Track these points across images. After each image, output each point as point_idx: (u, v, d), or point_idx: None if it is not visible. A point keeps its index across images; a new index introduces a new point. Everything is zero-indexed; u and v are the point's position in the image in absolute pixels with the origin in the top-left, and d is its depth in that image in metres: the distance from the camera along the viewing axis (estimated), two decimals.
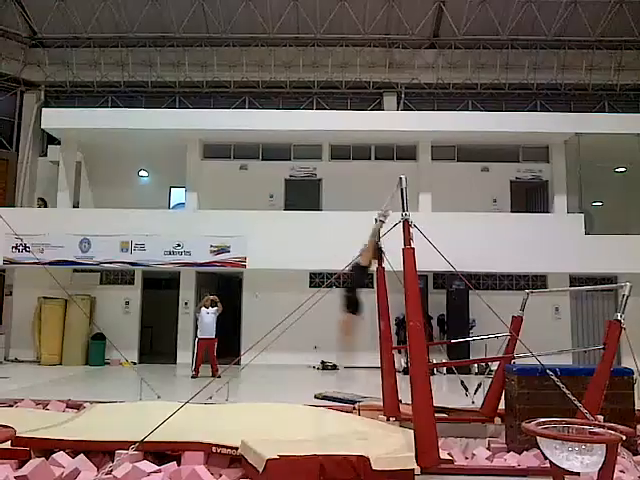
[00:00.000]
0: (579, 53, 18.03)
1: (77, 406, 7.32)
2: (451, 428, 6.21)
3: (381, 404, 6.74)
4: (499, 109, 17.47)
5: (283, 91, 18.49)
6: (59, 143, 16.66)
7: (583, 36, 17.74)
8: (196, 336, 13.15)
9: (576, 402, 4.76)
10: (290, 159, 16.99)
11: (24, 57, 18.43)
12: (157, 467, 4.73)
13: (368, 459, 4.47)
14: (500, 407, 6.39)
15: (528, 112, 17.27)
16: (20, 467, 4.70)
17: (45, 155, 18.01)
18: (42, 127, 16.21)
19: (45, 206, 16.78)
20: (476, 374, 12.52)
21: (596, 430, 3.66)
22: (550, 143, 16.38)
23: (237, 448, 4.88)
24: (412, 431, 4.68)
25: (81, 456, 4.84)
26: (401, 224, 5.15)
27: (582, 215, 15.00)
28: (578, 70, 18.01)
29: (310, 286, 15.18)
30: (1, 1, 17.24)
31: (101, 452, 5.04)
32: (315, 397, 9.57)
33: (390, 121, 16.09)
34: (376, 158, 16.80)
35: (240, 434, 5.04)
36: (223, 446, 4.96)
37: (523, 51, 18.12)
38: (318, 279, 15.38)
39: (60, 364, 14.59)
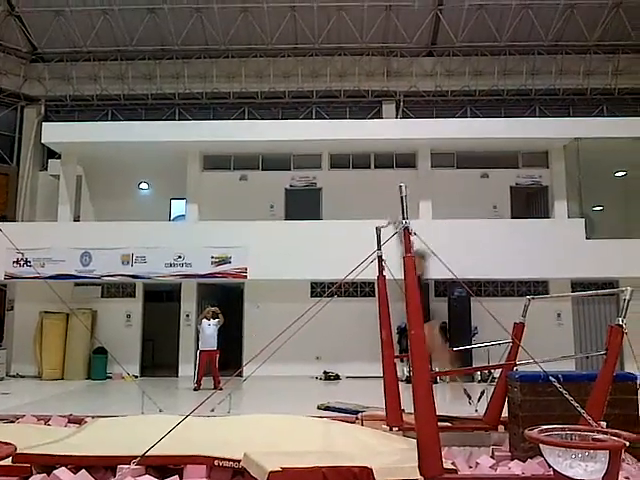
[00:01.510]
0: (577, 58, 18.09)
1: (79, 421, 7.28)
2: (454, 437, 6.17)
3: (384, 414, 6.70)
4: (498, 115, 17.50)
5: (282, 101, 18.57)
6: (59, 157, 16.71)
7: (580, 41, 17.81)
8: (198, 348, 13.12)
9: (579, 408, 4.73)
10: (290, 169, 17.03)
11: (24, 72, 18.55)
12: None
13: (371, 470, 4.44)
14: (503, 415, 6.35)
15: (527, 118, 17.31)
16: None
17: (46, 169, 18.06)
18: (42, 141, 16.29)
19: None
20: (479, 382, 12.47)
21: (599, 436, 3.63)
22: (549, 148, 16.40)
23: (239, 461, 4.84)
24: (415, 441, 4.64)
25: (83, 472, 4.81)
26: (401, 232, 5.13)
27: (583, 220, 14.98)
28: (576, 75, 18.08)
29: (311, 296, 15.16)
30: (1, 18, 17.38)
31: (103, 467, 5.01)
32: (318, 408, 9.52)
33: (389, 129, 16.13)
34: (376, 166, 16.82)
35: (242, 446, 5.00)
36: (225, 459, 4.93)
37: (521, 57, 18.20)
38: (319, 289, 15.35)
39: (62, 379, 14.56)
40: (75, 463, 4.98)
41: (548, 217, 16.16)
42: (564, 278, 14.77)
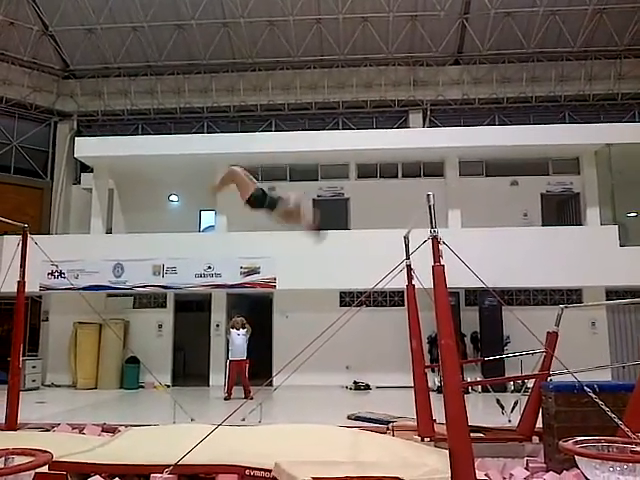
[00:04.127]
0: (607, 63, 17.81)
1: (112, 430, 7.39)
2: (488, 448, 6.08)
3: (415, 424, 6.65)
4: (526, 122, 17.30)
5: (309, 113, 18.68)
6: (92, 171, 17.05)
7: (610, 46, 17.54)
8: (228, 358, 13.19)
9: (616, 419, 4.62)
10: (317, 179, 17.09)
11: (57, 89, 19.04)
12: None
13: None
14: (538, 425, 6.24)
15: (556, 124, 17.06)
16: None
17: (78, 183, 18.47)
18: (75, 156, 16.66)
19: None
20: (512, 392, 12.26)
21: (638, 449, 3.54)
22: (580, 155, 16.12)
23: (271, 470, 4.85)
24: (447, 451, 4.59)
25: None
26: (430, 241, 5.10)
27: (616, 227, 14.66)
28: (606, 80, 17.78)
29: (340, 305, 15.12)
30: (36, 37, 17.91)
31: (136, 475, 5.07)
32: (348, 418, 9.48)
33: (416, 138, 16.07)
34: (403, 176, 16.77)
35: (273, 456, 5.02)
36: (257, 468, 4.95)
37: (549, 63, 17.99)
38: (348, 298, 15.31)
39: (95, 388, 14.78)
40: (109, 471, 5.06)
41: (580, 224, 15.87)
42: (598, 286, 14.46)
